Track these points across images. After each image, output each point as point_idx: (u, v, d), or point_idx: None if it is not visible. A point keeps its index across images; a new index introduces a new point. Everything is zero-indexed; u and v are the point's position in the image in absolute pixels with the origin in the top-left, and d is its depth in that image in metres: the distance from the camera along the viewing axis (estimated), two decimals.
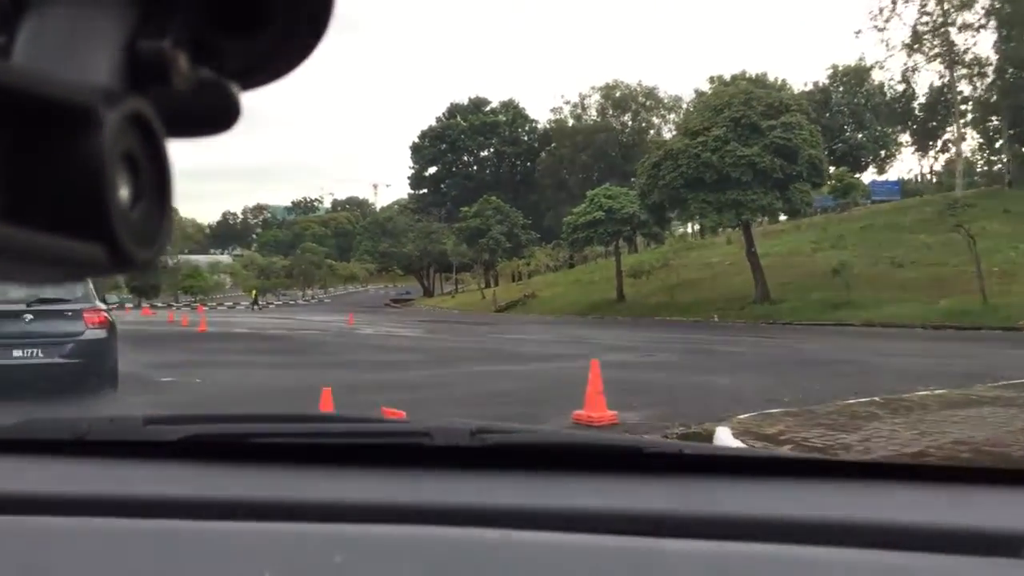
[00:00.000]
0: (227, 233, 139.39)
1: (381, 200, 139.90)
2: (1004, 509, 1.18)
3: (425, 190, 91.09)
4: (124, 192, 0.35)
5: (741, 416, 7.99)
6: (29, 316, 10.29)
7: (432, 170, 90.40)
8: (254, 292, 66.50)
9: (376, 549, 1.06)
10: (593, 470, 1.29)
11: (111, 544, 1.09)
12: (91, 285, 11.55)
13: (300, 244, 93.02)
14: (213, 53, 0.42)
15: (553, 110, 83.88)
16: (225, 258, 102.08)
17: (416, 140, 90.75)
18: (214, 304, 63.88)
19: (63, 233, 0.33)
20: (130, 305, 60.82)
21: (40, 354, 10.11)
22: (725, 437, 6.90)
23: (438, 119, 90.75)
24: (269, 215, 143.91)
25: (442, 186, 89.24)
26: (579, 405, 8.52)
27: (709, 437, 7.05)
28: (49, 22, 0.37)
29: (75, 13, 0.37)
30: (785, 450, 6.11)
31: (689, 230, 70.16)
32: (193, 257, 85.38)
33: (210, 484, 1.28)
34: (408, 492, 1.21)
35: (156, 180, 0.36)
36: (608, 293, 45.41)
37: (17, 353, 9.99)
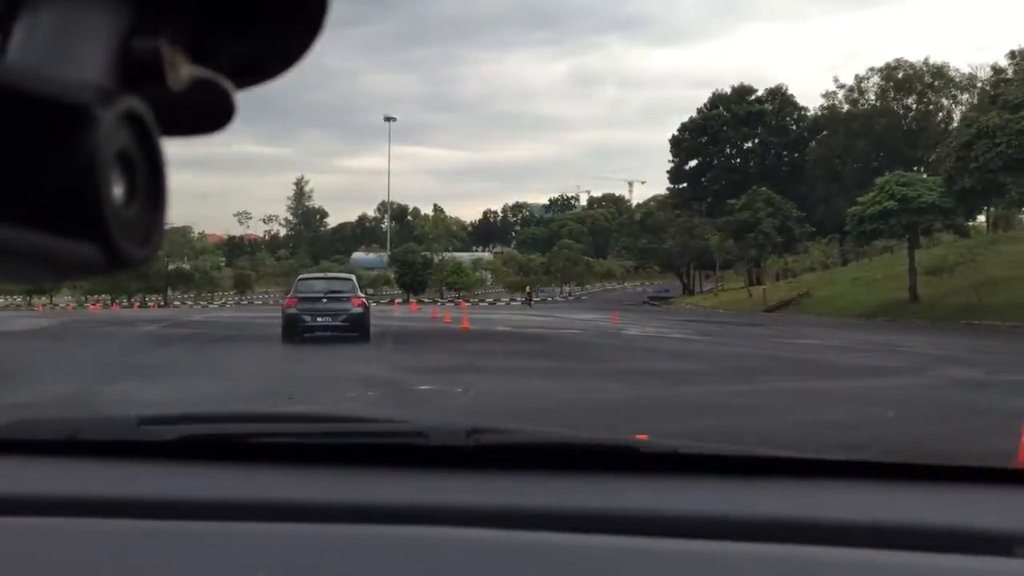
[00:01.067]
0: (488, 231, 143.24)
1: (636, 197, 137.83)
2: (996, 508, 1.17)
3: (684, 184, 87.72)
4: (119, 191, 0.34)
5: None
6: (325, 300, 18.68)
7: (692, 163, 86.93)
8: (528, 288, 66.92)
9: (372, 549, 1.05)
10: (590, 470, 1.28)
11: (105, 544, 1.09)
12: (355, 281, 20.24)
13: (557, 241, 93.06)
14: (208, 52, 0.42)
15: (825, 95, 76.67)
16: (486, 255, 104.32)
17: (676, 133, 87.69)
18: (476, 300, 64.79)
19: (58, 233, 0.33)
20: (399, 300, 63.07)
21: (329, 320, 18.59)
22: None
23: (699, 110, 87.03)
24: (527, 213, 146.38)
25: (703, 180, 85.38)
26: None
27: None
28: (43, 21, 0.37)
29: (69, 12, 0.37)
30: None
31: (981, 221, 62.04)
32: (457, 254, 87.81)
33: (205, 484, 1.27)
34: (405, 492, 1.21)
35: (151, 179, 0.36)
36: (895, 292, 40.37)
37: (319, 319, 18.55)
